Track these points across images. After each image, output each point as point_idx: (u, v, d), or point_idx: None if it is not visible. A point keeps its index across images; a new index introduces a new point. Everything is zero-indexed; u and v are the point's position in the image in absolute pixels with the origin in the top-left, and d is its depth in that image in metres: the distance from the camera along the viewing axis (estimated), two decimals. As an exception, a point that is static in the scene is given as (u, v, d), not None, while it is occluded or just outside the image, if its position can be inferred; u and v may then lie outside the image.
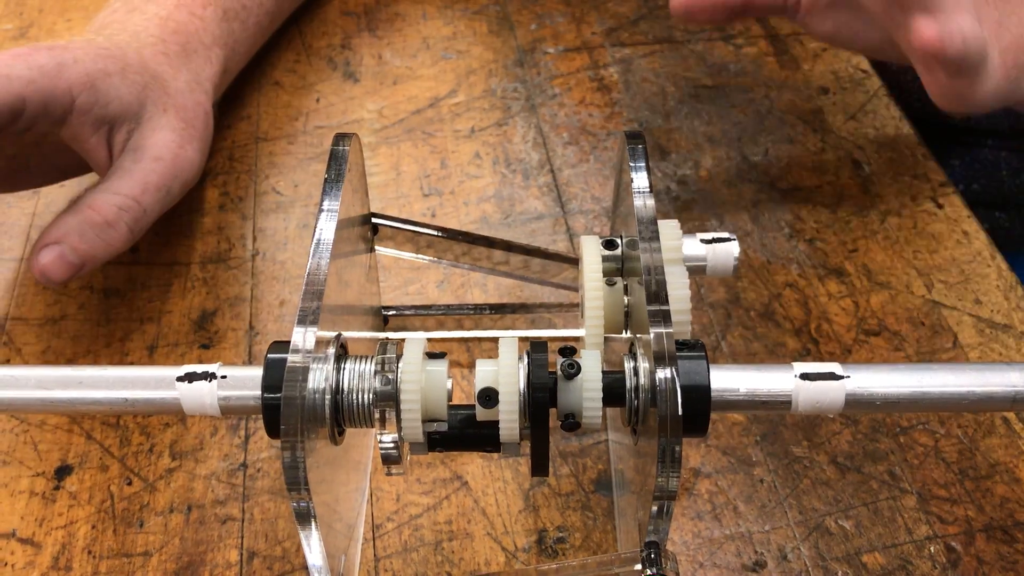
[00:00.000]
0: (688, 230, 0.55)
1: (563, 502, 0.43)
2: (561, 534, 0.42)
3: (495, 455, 0.44)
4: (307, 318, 0.32)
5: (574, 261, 0.46)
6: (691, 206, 0.56)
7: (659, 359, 0.31)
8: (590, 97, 0.63)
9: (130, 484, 0.44)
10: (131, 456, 0.45)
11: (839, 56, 0.66)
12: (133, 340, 0.49)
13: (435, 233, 0.45)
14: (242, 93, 0.64)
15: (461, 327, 0.49)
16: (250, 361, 0.49)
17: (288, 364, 0.31)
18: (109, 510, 0.43)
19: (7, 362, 0.49)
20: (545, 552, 0.41)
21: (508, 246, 0.45)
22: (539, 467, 0.35)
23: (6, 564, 0.41)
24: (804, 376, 0.34)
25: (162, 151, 0.48)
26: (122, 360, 0.49)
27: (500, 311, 0.49)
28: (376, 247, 0.45)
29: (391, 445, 0.34)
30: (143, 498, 0.43)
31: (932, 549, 0.41)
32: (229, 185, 0.58)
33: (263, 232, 0.55)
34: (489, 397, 0.33)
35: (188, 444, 0.45)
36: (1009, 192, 0.73)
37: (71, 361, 0.49)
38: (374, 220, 0.44)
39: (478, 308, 0.49)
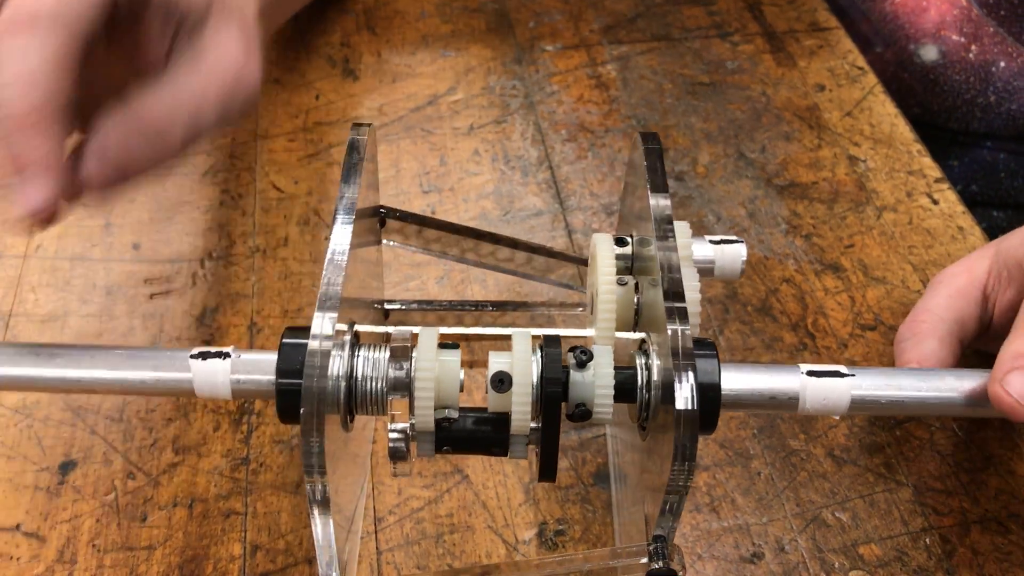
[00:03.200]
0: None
1: (563, 495, 0.43)
2: (561, 527, 0.42)
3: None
4: (327, 304, 0.33)
5: (580, 260, 0.46)
6: (688, 202, 0.56)
7: (675, 355, 0.32)
8: (588, 94, 0.64)
9: (133, 479, 0.44)
10: (134, 451, 0.45)
11: (835, 53, 0.66)
12: (135, 336, 0.50)
13: (442, 228, 0.45)
14: (242, 91, 0.64)
15: (461, 323, 0.50)
16: (252, 357, 0.49)
17: (309, 348, 0.32)
18: (113, 504, 0.43)
19: (10, 358, 0.49)
20: (545, 545, 0.42)
21: (514, 243, 0.46)
22: (547, 469, 0.35)
23: (11, 558, 0.41)
24: (810, 373, 0.35)
25: (225, 61, 0.41)
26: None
27: (501, 308, 0.49)
28: (384, 239, 0.45)
29: (399, 436, 0.35)
30: (147, 492, 0.44)
31: (928, 540, 0.42)
32: (230, 182, 0.58)
33: (264, 229, 0.55)
34: (502, 381, 0.34)
35: (191, 439, 0.46)
36: (1007, 193, 0.73)
37: (74, 357, 0.49)
38: (382, 212, 0.44)
39: (479, 305, 0.49)
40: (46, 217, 0.35)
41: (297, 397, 0.31)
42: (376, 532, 0.42)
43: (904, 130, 0.61)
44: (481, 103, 0.63)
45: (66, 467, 0.45)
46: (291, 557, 0.41)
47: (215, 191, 0.58)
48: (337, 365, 0.33)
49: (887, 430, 0.46)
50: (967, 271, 0.44)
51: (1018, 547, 0.41)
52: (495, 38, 0.68)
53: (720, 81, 0.64)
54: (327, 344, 0.32)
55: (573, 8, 0.70)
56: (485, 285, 0.52)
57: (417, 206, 0.56)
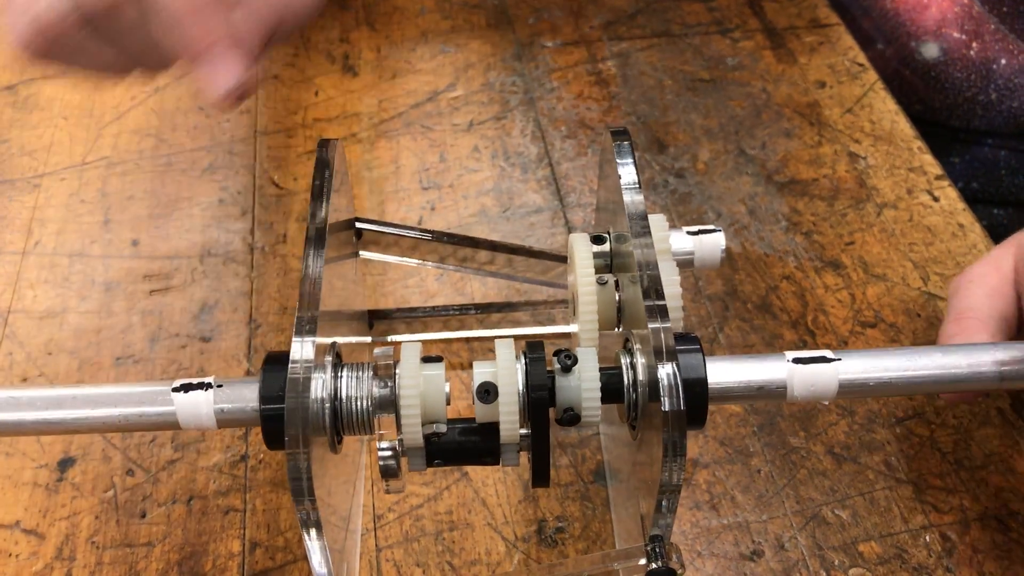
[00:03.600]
0: (685, 223, 0.55)
1: (562, 492, 0.43)
2: (560, 524, 0.42)
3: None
4: (304, 328, 0.32)
5: (560, 258, 0.46)
6: (688, 199, 0.56)
7: (658, 354, 0.31)
8: (588, 91, 0.63)
9: (132, 475, 0.44)
10: (133, 448, 0.45)
11: (835, 50, 0.66)
12: (134, 332, 0.50)
13: (418, 235, 0.44)
14: (241, 87, 0.64)
15: (447, 328, 0.49)
16: (250, 354, 0.49)
17: (289, 375, 0.31)
18: (112, 501, 0.43)
19: (9, 355, 0.49)
20: (544, 542, 0.42)
21: (493, 246, 0.45)
22: (540, 476, 0.35)
23: (10, 555, 0.41)
24: (797, 360, 0.35)
25: None
26: (123, 352, 0.49)
27: (486, 311, 0.49)
28: (361, 252, 0.45)
29: (389, 454, 0.34)
30: (145, 489, 0.44)
31: (927, 538, 0.42)
32: (229, 179, 0.58)
33: (262, 225, 0.55)
34: (488, 392, 0.33)
35: (190, 436, 0.45)
36: (1007, 190, 0.73)
37: (73, 353, 0.49)
38: (358, 224, 0.44)
39: (463, 308, 0.49)
40: (244, 92, 0.34)
41: (282, 423, 0.31)
42: (375, 529, 0.42)
43: (904, 127, 0.60)
44: (481, 99, 0.63)
45: (65, 464, 0.45)
46: (290, 554, 0.41)
47: (214, 188, 0.57)
48: (320, 388, 0.33)
49: (887, 427, 0.45)
50: (995, 270, 0.44)
51: (1018, 545, 0.41)
52: (495, 34, 0.68)
53: (720, 77, 0.64)
54: (308, 368, 0.31)
55: (573, 4, 0.70)
56: (485, 282, 0.52)
57: (417, 203, 0.56)
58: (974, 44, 0.69)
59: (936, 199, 0.56)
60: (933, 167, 0.58)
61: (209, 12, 0.33)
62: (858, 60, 0.65)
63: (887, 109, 0.62)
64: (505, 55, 0.66)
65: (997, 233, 0.73)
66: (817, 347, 0.49)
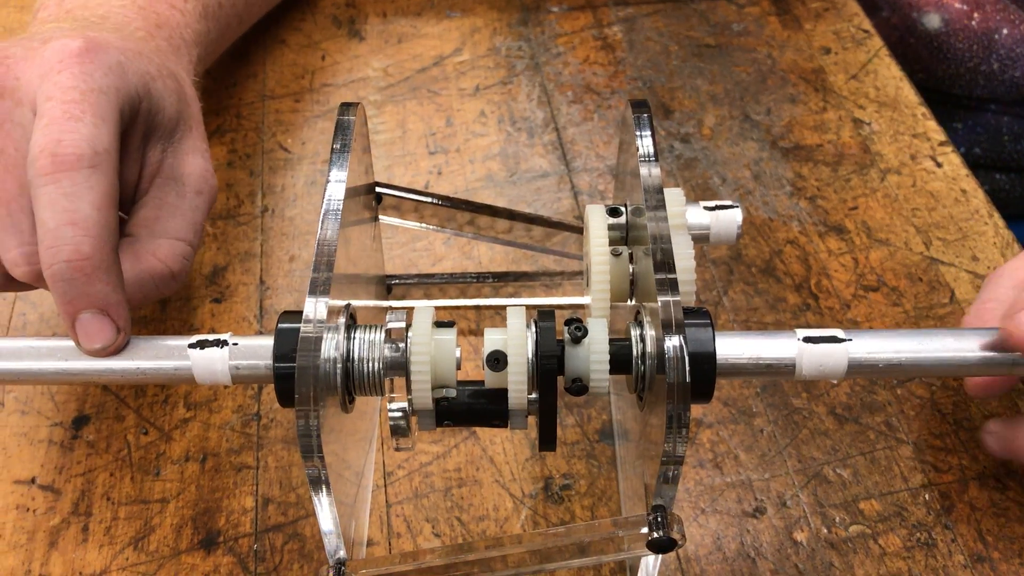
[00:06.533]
0: (690, 188, 0.56)
1: (568, 451, 0.44)
2: (567, 481, 0.43)
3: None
4: (318, 288, 0.33)
5: (578, 229, 0.47)
6: (693, 164, 0.57)
7: (666, 327, 0.32)
8: (594, 56, 0.64)
9: (146, 434, 0.45)
10: (146, 406, 0.46)
11: (841, 16, 0.66)
12: (146, 294, 0.50)
13: (439, 202, 0.45)
14: (248, 51, 0.64)
15: (464, 295, 0.50)
16: (261, 316, 0.49)
17: (301, 334, 0.32)
18: (126, 458, 0.44)
19: (23, 316, 0.50)
20: (551, 499, 0.42)
21: (511, 215, 0.46)
22: (546, 440, 0.35)
23: (28, 510, 0.42)
24: (807, 339, 0.34)
25: (200, 184, 0.43)
26: (135, 314, 0.49)
27: (503, 279, 0.49)
28: (380, 216, 0.46)
29: (399, 415, 0.35)
30: (159, 447, 0.44)
31: (927, 496, 0.42)
32: (237, 142, 0.58)
33: (271, 189, 0.56)
34: (498, 360, 0.34)
35: (202, 395, 0.46)
36: (1010, 156, 0.73)
37: (85, 315, 0.49)
38: (378, 189, 0.44)
39: (481, 276, 0.50)
40: (112, 351, 0.36)
41: (294, 381, 0.31)
42: (385, 486, 0.43)
43: (909, 93, 0.61)
44: (487, 64, 0.63)
45: (79, 422, 0.45)
46: (302, 510, 0.42)
47: (223, 151, 0.58)
48: (332, 347, 0.33)
49: (888, 389, 0.46)
50: None
51: (1015, 503, 0.42)
52: (501, -1, 0.68)
53: (726, 43, 0.64)
54: (320, 328, 0.32)
55: (579, -31, 0.70)
56: (492, 247, 0.53)
57: (423, 167, 0.57)
58: (975, 15, 0.69)
59: (939, 165, 0.56)
60: (937, 133, 0.58)
61: (74, 283, 0.35)
62: (863, 26, 0.65)
63: (892, 75, 0.62)
64: (511, 20, 0.66)
65: (999, 198, 0.73)
66: (820, 310, 0.49)
